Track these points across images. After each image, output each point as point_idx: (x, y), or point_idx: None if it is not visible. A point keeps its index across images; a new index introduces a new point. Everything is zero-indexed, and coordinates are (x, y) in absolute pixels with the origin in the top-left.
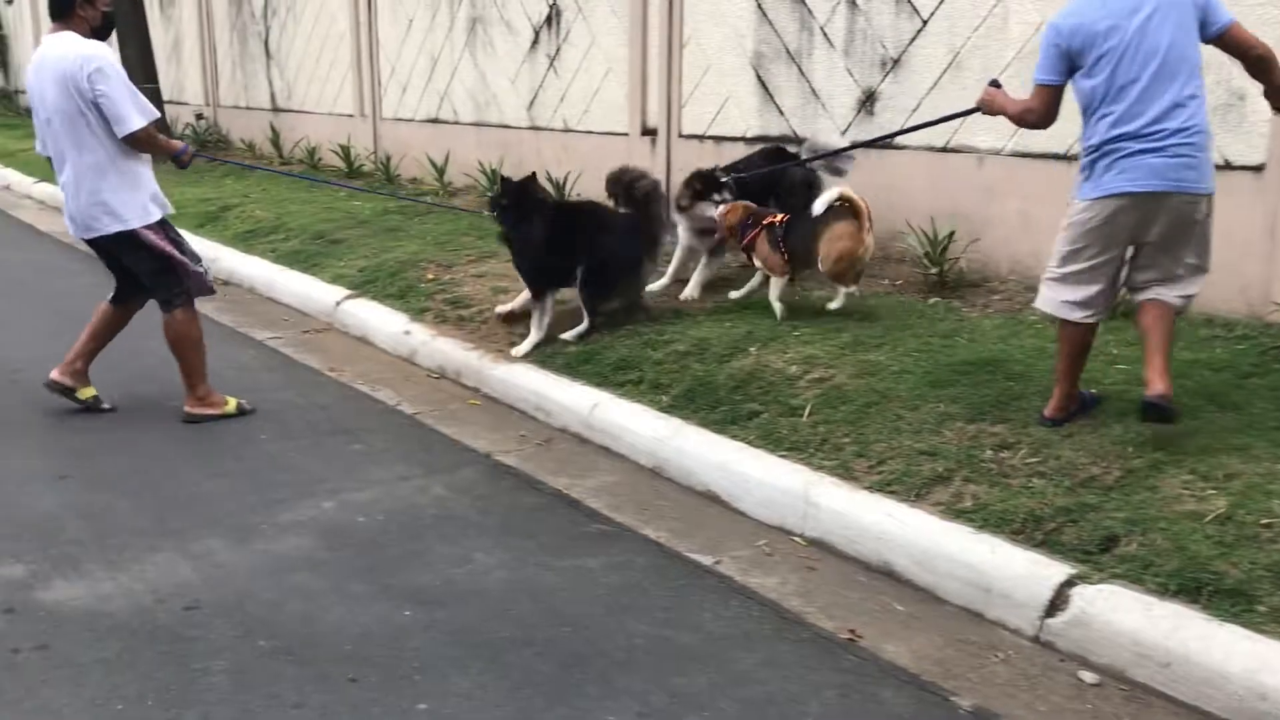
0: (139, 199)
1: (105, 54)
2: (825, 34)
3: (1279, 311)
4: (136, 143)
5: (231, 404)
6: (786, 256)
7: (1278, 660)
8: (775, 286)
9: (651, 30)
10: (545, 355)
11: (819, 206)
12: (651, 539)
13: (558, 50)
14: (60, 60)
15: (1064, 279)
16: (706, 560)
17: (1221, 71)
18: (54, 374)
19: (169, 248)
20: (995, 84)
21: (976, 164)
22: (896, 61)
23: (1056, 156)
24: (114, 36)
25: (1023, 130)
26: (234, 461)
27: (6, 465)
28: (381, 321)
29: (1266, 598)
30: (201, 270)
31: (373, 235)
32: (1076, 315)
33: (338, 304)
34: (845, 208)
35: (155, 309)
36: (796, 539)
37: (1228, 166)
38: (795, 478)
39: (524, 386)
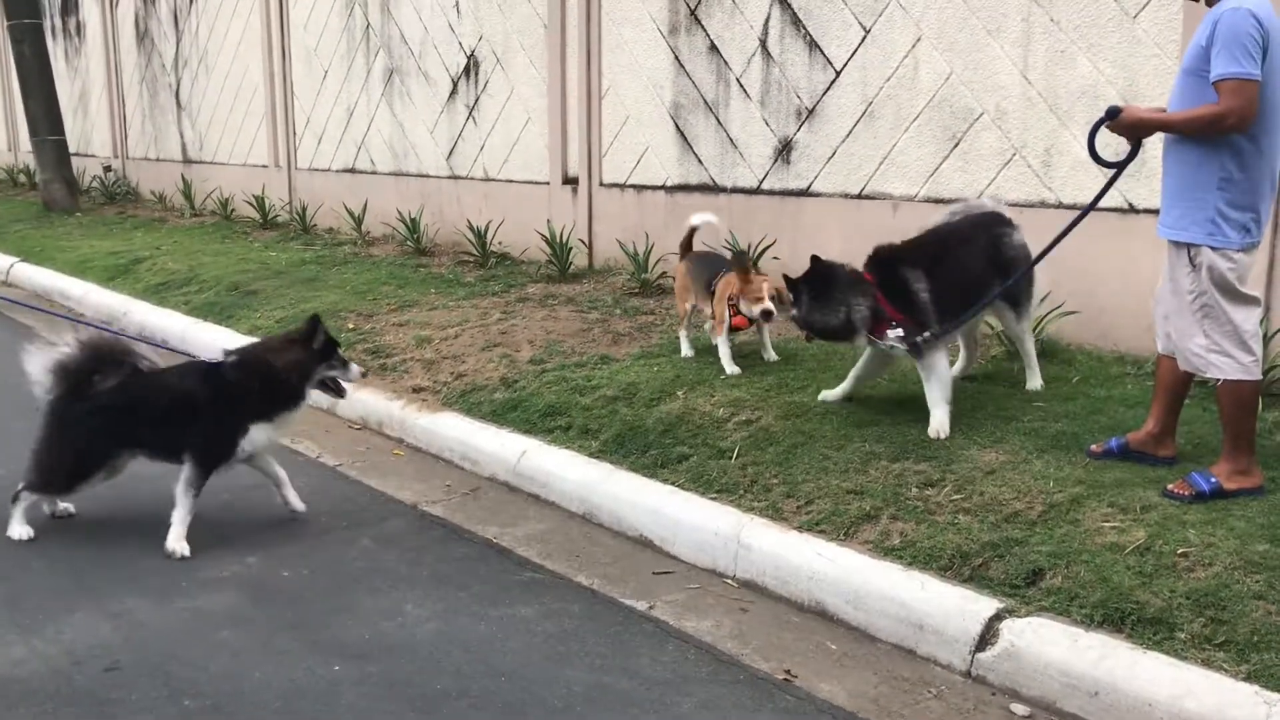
0: None
1: None
2: (741, 85)
3: None
4: None
5: None
6: None
7: (1200, 685)
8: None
9: (570, 81)
10: (471, 403)
11: None
12: (584, 586)
13: (476, 100)
14: None
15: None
16: (641, 605)
17: None
18: None
19: None
20: (1115, 111)
21: (891, 210)
22: (811, 111)
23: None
24: (14, 84)
25: (937, 177)
26: (152, 518)
27: None
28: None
29: (1186, 625)
30: None
31: (289, 286)
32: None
33: None
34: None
35: None
36: (729, 581)
37: (1131, 210)
38: (726, 520)
39: (449, 436)
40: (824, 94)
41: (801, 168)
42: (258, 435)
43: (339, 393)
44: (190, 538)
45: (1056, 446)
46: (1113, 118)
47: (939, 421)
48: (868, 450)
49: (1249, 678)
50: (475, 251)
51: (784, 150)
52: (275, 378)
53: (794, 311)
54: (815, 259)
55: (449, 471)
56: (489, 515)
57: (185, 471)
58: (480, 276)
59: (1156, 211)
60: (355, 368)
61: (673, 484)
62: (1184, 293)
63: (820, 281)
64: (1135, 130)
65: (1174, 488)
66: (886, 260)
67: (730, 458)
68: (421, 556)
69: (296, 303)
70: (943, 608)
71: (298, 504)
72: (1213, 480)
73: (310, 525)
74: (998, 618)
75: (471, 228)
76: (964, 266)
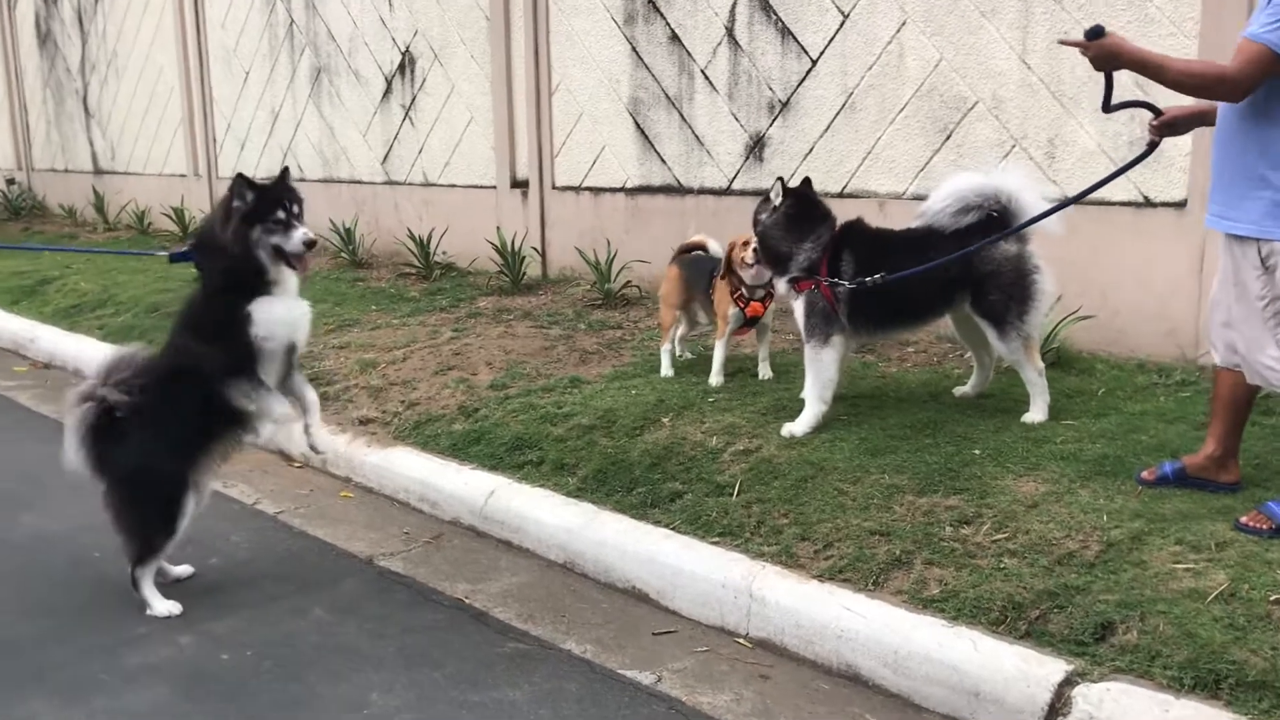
0: None
1: None
2: (707, 77)
3: (1210, 354)
4: None
5: None
6: None
7: None
8: None
9: (517, 77)
10: (427, 436)
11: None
12: (577, 655)
13: (413, 100)
14: None
15: None
16: (646, 678)
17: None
18: None
19: None
20: (1098, 31)
21: (877, 209)
22: (785, 104)
23: None
24: None
25: (928, 172)
26: (61, 593)
27: None
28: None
29: None
30: None
31: None
32: None
33: None
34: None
35: None
36: (741, 641)
37: (1147, 203)
38: (735, 569)
39: (404, 474)
40: (799, 85)
41: (776, 165)
42: (268, 314)
43: (289, 264)
44: (112, 613)
45: (1100, 472)
46: (1093, 38)
47: (802, 420)
48: (888, 483)
49: None
50: (418, 263)
51: (756, 147)
52: (222, 251)
53: (762, 216)
54: (808, 183)
55: (405, 516)
56: (455, 569)
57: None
58: (425, 290)
59: (1174, 205)
60: (300, 233)
61: (667, 526)
62: (1252, 297)
63: (804, 203)
64: (1109, 61)
65: (1248, 520)
66: (852, 233)
67: (730, 494)
68: (385, 627)
69: None
70: (1001, 672)
71: (320, 442)
72: None
73: (252, 591)
74: (1068, 683)
75: (413, 237)
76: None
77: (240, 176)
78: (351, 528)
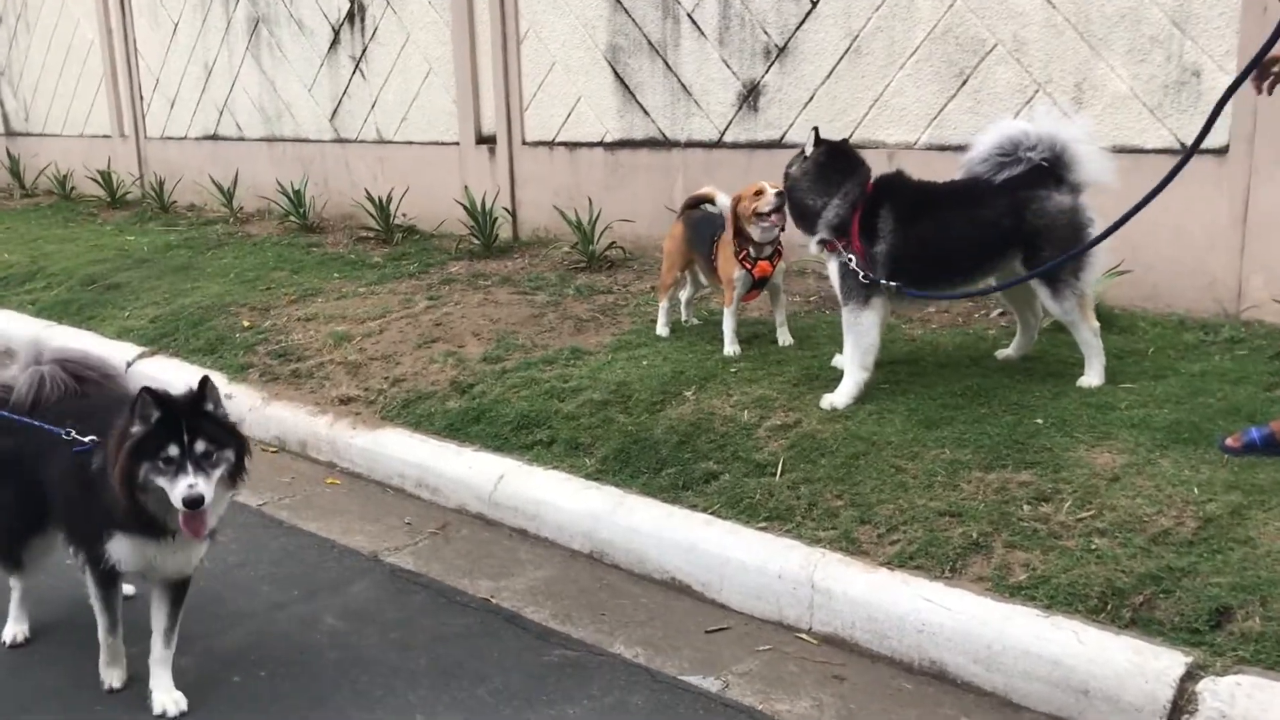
0: None
1: None
2: (694, 21)
3: (1254, 309)
4: None
5: None
6: None
7: None
8: None
9: (480, 23)
10: (419, 415)
11: None
12: (630, 660)
13: (364, 50)
14: None
15: None
16: (711, 685)
17: (1172, 45)
18: None
19: None
20: None
21: (886, 160)
22: (783, 49)
23: None
24: None
25: (942, 120)
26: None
27: None
28: (192, 384)
29: None
30: None
31: (159, 276)
32: None
33: (129, 365)
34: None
35: None
36: (805, 637)
37: (1182, 149)
38: (791, 557)
39: (398, 458)
40: (798, 28)
41: (772, 115)
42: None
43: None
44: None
45: (1177, 440)
46: None
47: (843, 390)
48: (950, 457)
49: None
50: (377, 225)
51: (750, 96)
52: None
53: (792, 168)
54: (846, 141)
55: (403, 504)
56: (472, 564)
57: None
58: (389, 255)
59: (1215, 152)
60: (184, 484)
61: (705, 511)
62: None
63: (836, 154)
64: None
65: None
66: (889, 187)
67: (773, 474)
68: (411, 635)
69: (172, 296)
70: (1112, 666)
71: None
72: None
73: (252, 599)
74: (1190, 677)
75: (370, 198)
76: (952, 233)
77: (145, 392)
78: (347, 519)
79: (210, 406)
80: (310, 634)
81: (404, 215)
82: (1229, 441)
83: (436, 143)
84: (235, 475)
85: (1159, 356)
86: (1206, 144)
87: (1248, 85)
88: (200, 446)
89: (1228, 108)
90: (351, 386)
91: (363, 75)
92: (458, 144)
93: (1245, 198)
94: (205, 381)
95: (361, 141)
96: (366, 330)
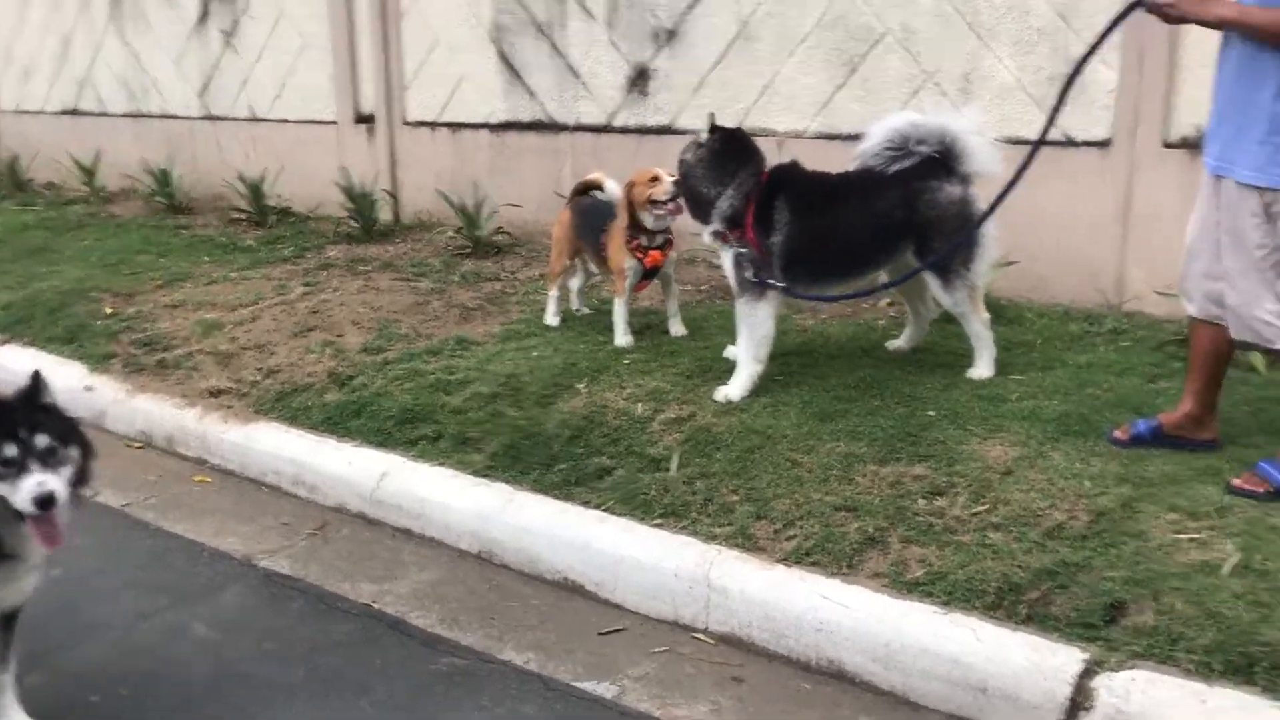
0: None
1: None
2: (581, 3)
3: (1136, 300)
4: None
5: None
6: None
7: None
8: None
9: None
10: (295, 409)
11: None
12: (522, 667)
13: (235, 24)
14: None
15: None
16: (606, 691)
17: (1058, 38)
18: None
19: None
20: None
21: (776, 148)
22: (673, 33)
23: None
24: None
25: (832, 108)
26: None
27: None
28: (49, 375)
29: None
30: None
31: (13, 259)
32: None
33: None
34: None
35: None
36: (701, 637)
37: (1070, 143)
38: (686, 554)
39: (272, 454)
40: (687, 11)
41: (662, 100)
42: None
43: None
44: None
45: (1067, 432)
46: None
47: (737, 382)
48: (844, 451)
49: None
50: (249, 207)
51: (639, 79)
52: None
53: (687, 155)
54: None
55: (278, 502)
56: (353, 566)
57: None
58: (262, 239)
59: (1097, 144)
60: (32, 483)
61: (598, 507)
62: (1250, 247)
63: (732, 142)
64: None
65: (1241, 483)
66: (785, 178)
67: (668, 469)
68: (288, 645)
69: (27, 280)
70: (1010, 664)
71: None
72: None
73: (113, 608)
74: (1087, 673)
75: (243, 179)
76: (847, 225)
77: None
78: (218, 520)
79: (47, 400)
80: (178, 646)
81: (278, 196)
82: (1117, 434)
83: (313, 121)
84: (79, 482)
85: (1046, 348)
86: (1090, 136)
87: (1134, 71)
88: (43, 441)
89: (1108, 100)
90: (222, 378)
91: (235, 50)
92: (335, 123)
93: (1127, 190)
94: (37, 375)
95: (233, 119)
96: (238, 318)
